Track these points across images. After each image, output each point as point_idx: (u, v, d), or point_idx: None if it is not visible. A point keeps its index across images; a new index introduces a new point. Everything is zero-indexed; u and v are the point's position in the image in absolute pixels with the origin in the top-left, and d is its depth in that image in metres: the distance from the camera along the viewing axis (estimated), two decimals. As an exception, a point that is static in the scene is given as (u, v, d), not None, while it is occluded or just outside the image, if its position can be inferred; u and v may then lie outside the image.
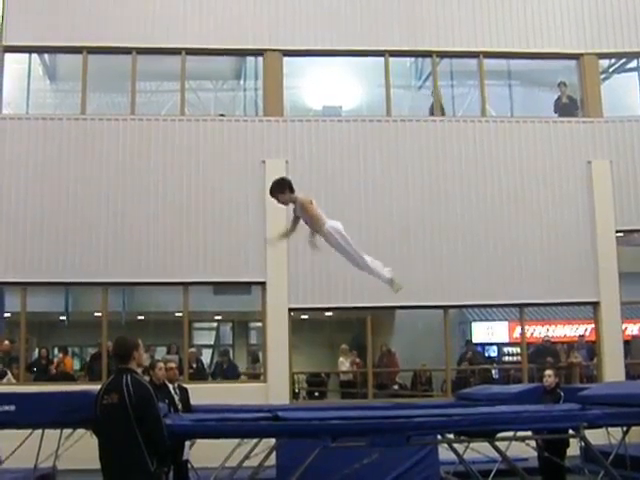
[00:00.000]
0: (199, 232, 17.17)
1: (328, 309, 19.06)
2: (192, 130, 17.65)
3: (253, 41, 18.14)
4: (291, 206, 8.79)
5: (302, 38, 18.17)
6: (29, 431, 9.41)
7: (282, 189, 8.64)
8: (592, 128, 18.33)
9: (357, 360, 18.79)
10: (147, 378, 8.74)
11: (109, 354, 15.88)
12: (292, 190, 8.65)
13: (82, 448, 9.37)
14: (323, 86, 19.63)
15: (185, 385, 12.30)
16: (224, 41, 18.09)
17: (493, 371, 21.53)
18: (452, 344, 18.86)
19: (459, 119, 18.63)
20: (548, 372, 11.53)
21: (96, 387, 7.26)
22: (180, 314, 17.69)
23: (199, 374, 17.66)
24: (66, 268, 16.84)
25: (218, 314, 25.21)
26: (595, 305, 17.95)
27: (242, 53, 18.87)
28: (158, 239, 17.06)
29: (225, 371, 18.53)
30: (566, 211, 17.94)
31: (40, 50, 18.66)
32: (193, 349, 18.39)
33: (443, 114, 18.70)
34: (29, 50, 18.40)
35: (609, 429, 10.76)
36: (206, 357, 20.88)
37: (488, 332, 25.13)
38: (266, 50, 18.18)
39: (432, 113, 18.65)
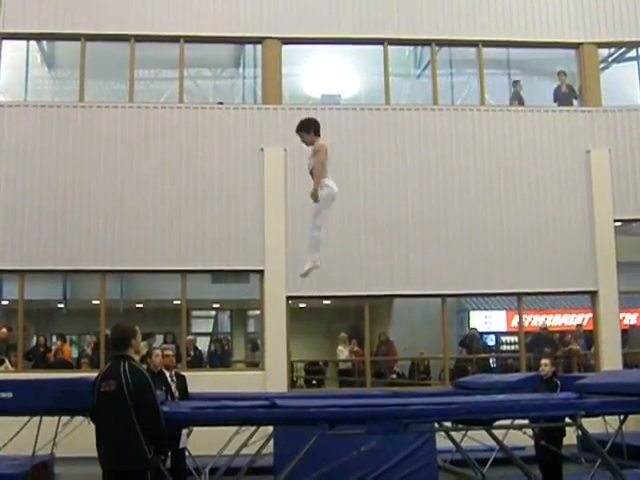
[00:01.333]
0: (197, 220, 17.15)
1: (326, 297, 19.04)
2: (190, 118, 17.62)
3: (252, 29, 18.09)
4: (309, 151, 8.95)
5: (301, 26, 18.11)
6: (26, 418, 9.42)
7: (308, 129, 8.82)
8: (591, 117, 18.31)
9: (356, 349, 18.79)
10: (144, 366, 8.73)
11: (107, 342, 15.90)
12: (318, 134, 8.83)
13: (80, 435, 9.39)
14: (322, 74, 19.60)
15: (183, 373, 12.31)
16: (223, 29, 18.03)
17: (491, 360, 21.59)
18: (450, 333, 18.90)
19: (458, 108, 18.61)
20: (544, 361, 11.54)
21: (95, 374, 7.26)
22: (178, 302, 17.70)
23: (196, 362, 17.70)
24: (64, 256, 16.83)
25: (216, 302, 25.19)
26: (593, 294, 17.97)
27: (241, 41, 18.80)
28: (156, 227, 17.05)
29: (220, 358, 18.56)
30: (564, 200, 17.94)
31: (38, 37, 18.60)
32: (190, 337, 18.42)
33: (521, 104, 18.86)
34: (27, 37, 18.34)
35: (606, 418, 10.79)
36: (204, 345, 20.89)
37: (486, 321, 25.13)
38: (265, 38, 18.13)
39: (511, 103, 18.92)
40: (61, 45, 19.23)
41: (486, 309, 25.08)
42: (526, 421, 9.82)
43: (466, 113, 18.27)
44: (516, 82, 19.15)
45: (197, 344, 18.82)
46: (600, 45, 18.96)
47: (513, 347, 23.11)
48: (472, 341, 19.98)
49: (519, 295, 18.31)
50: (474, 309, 25.17)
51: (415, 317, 21.72)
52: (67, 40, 18.20)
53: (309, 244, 8.94)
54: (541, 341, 18.77)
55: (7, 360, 16.96)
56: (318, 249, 8.87)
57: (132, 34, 17.81)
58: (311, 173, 8.82)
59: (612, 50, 19.68)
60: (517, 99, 19.02)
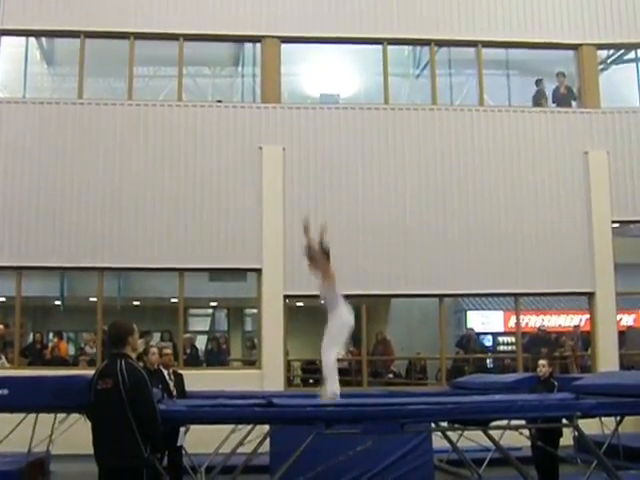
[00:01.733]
0: (195, 218, 17.15)
1: (323, 296, 18.99)
2: (189, 116, 17.61)
3: (251, 27, 18.09)
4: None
5: (300, 25, 18.11)
6: (22, 415, 9.41)
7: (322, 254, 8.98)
8: (589, 119, 18.31)
9: (351, 349, 18.77)
10: (141, 364, 8.72)
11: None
12: (328, 258, 8.99)
13: (76, 433, 9.37)
14: (321, 73, 19.60)
15: (180, 371, 12.29)
16: (222, 27, 18.02)
17: (488, 360, 21.57)
18: (447, 333, 18.89)
19: (457, 108, 18.60)
20: (542, 362, 11.56)
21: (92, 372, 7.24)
22: (176, 300, 17.68)
23: (193, 360, 17.68)
24: (62, 253, 16.83)
25: (213, 300, 25.17)
26: (590, 295, 17.98)
27: (240, 39, 18.80)
28: (154, 224, 17.04)
29: (217, 356, 18.54)
30: (562, 201, 17.94)
31: (37, 34, 18.59)
32: (188, 335, 18.40)
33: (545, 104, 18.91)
34: (26, 34, 18.31)
35: (603, 419, 10.78)
36: (202, 343, 20.89)
37: (483, 321, 25.12)
38: (264, 37, 18.13)
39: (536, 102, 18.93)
40: (60, 42, 19.23)
41: (483, 309, 25.08)
42: (523, 422, 9.80)
43: (465, 113, 18.27)
44: (539, 80, 19.06)
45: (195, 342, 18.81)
46: (599, 46, 18.97)
47: (510, 347, 23.06)
48: (469, 341, 20.00)
49: (516, 296, 18.34)
50: (471, 309, 25.16)
51: (412, 317, 21.70)
52: (66, 37, 18.20)
53: (327, 371, 9.32)
54: (538, 342, 18.79)
55: (3, 356, 16.97)
56: (336, 377, 9.40)
57: (131, 32, 17.81)
58: (324, 299, 9.19)
59: (611, 52, 19.71)
60: (543, 97, 18.96)
